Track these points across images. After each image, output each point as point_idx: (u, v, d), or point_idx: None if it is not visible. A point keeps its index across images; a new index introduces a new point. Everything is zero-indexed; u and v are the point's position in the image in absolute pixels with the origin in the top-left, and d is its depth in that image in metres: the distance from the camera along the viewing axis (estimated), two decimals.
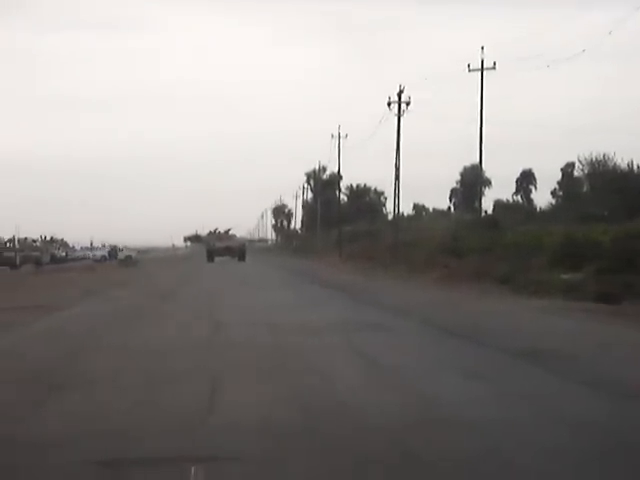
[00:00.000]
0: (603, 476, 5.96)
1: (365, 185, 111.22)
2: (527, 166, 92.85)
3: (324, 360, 11.71)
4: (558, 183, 79.35)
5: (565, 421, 7.60)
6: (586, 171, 72.77)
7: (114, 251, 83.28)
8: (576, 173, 75.97)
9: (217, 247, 74.74)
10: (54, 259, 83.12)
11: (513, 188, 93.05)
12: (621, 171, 66.58)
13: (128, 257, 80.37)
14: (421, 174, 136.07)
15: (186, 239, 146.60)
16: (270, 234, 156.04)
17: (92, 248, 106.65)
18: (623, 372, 10.49)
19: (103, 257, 79.91)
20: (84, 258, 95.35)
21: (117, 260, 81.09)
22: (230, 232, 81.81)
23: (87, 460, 6.39)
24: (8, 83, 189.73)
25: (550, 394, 9.01)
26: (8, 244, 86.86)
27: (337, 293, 27.67)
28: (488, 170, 69.56)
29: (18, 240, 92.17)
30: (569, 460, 6.27)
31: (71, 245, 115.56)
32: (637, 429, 7.40)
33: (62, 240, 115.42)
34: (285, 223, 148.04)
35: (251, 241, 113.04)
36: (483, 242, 39.37)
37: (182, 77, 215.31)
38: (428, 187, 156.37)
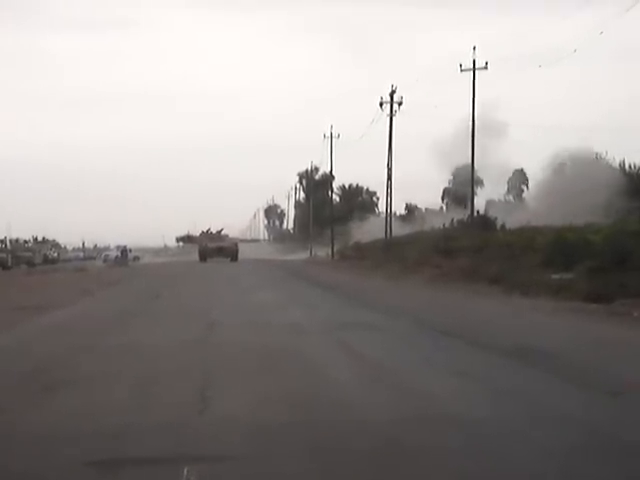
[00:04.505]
0: (590, 472, 6.06)
1: (357, 185, 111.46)
2: (519, 165, 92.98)
3: (315, 359, 11.81)
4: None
5: (549, 418, 7.70)
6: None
7: (125, 252, 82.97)
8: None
9: (209, 247, 74.88)
10: (46, 260, 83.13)
11: (505, 187, 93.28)
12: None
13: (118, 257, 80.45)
14: (413, 174, 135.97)
15: (178, 239, 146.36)
16: (262, 234, 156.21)
17: (104, 248, 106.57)
18: (612, 370, 10.61)
19: (116, 257, 79.90)
20: (76, 259, 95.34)
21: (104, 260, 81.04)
22: (222, 232, 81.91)
23: (78, 460, 6.38)
24: None
25: (537, 392, 9.12)
26: (0, 245, 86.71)
27: (328, 292, 27.75)
28: (480, 170, 69.53)
29: (10, 241, 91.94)
30: (547, 452, 6.39)
31: (63, 246, 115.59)
32: (621, 425, 7.51)
33: (54, 241, 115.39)
34: (277, 223, 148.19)
35: (243, 241, 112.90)
36: (475, 242, 39.52)
37: (172, 76, 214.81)
38: (420, 186, 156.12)
